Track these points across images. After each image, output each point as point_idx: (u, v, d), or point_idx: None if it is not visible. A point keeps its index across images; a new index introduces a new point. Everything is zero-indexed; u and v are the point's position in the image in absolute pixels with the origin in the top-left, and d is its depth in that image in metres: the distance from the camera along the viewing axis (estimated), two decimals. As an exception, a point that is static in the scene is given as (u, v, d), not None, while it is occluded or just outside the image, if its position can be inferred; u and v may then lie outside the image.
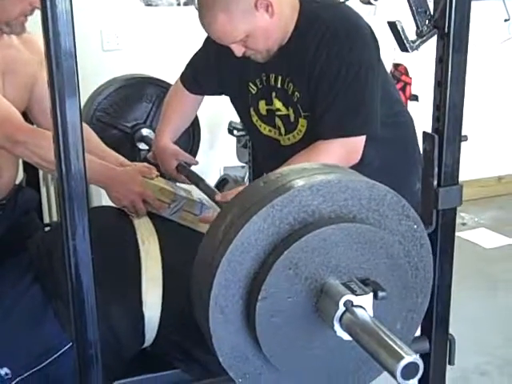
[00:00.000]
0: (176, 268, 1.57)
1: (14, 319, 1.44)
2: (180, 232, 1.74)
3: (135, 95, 2.33)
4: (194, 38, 3.42)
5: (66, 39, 0.95)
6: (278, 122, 1.93)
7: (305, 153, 1.77)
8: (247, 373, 1.01)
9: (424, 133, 1.30)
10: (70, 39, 0.96)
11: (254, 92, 1.95)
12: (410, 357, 0.84)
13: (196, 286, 1.04)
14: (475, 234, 4.04)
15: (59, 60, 0.95)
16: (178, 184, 1.98)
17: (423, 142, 1.30)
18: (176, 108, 2.14)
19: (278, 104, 1.89)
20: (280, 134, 1.95)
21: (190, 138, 2.40)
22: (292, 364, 1.02)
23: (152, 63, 3.53)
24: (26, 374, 1.38)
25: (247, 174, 2.61)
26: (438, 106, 1.25)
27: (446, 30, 1.16)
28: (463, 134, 1.34)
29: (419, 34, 1.21)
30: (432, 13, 1.21)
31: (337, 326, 0.95)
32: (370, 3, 1.24)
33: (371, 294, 0.96)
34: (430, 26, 1.20)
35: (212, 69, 2.04)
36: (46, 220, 2.55)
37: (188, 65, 2.16)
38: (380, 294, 0.96)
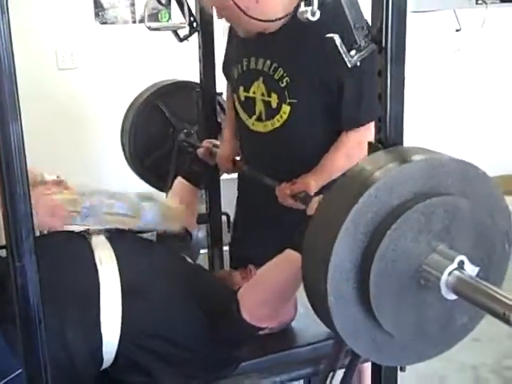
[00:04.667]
0: (135, 287, 1.57)
1: None
2: (138, 251, 1.74)
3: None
4: (149, 55, 3.44)
5: (6, 62, 0.96)
6: (261, 106, 1.96)
7: (338, 147, 1.86)
8: (341, 297, 1.06)
9: (369, 143, 1.34)
10: (9, 62, 0.97)
11: (235, 77, 2.01)
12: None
13: (329, 210, 1.11)
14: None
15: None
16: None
17: (368, 152, 1.34)
18: (230, 114, 2.20)
19: (262, 89, 1.93)
20: (260, 119, 1.98)
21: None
22: (388, 311, 1.09)
23: (108, 80, 3.54)
24: None
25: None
26: (380, 118, 1.29)
27: (384, 44, 1.20)
28: (413, 144, 1.38)
29: (358, 49, 1.24)
30: (369, 28, 1.25)
31: (443, 280, 1.05)
32: (307, 19, 1.28)
33: (477, 269, 1.06)
34: (367, 41, 1.23)
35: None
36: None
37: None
38: (481, 274, 1.06)
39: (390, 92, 1.25)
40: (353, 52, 1.25)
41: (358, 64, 1.61)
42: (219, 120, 2.41)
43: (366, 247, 1.06)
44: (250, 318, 1.57)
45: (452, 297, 1.07)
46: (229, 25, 2.04)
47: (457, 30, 4.28)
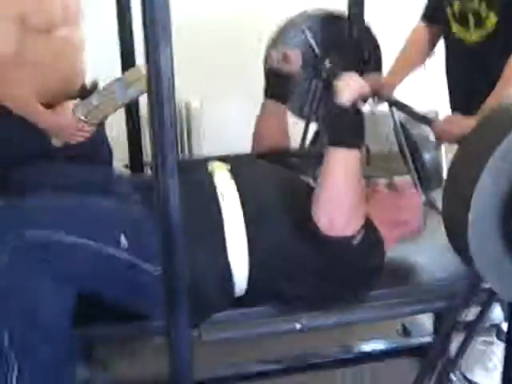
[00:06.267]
0: (259, 216, 1.61)
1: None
2: (259, 180, 1.77)
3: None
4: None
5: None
6: (471, 18, 2.04)
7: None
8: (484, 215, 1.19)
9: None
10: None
11: None
12: None
13: (481, 140, 1.22)
14: None
15: (153, 13, 1.02)
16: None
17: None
18: (411, 49, 2.37)
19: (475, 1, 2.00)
20: (468, 31, 2.05)
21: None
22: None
23: (251, 7, 3.52)
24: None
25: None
26: None
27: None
28: None
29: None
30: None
31: None
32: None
33: None
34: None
35: None
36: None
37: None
38: None
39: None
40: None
41: None
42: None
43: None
44: (332, 230, 1.54)
45: None
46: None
47: None
